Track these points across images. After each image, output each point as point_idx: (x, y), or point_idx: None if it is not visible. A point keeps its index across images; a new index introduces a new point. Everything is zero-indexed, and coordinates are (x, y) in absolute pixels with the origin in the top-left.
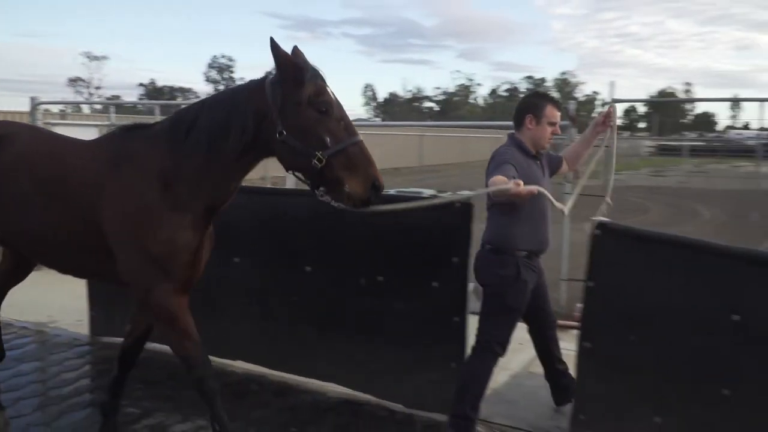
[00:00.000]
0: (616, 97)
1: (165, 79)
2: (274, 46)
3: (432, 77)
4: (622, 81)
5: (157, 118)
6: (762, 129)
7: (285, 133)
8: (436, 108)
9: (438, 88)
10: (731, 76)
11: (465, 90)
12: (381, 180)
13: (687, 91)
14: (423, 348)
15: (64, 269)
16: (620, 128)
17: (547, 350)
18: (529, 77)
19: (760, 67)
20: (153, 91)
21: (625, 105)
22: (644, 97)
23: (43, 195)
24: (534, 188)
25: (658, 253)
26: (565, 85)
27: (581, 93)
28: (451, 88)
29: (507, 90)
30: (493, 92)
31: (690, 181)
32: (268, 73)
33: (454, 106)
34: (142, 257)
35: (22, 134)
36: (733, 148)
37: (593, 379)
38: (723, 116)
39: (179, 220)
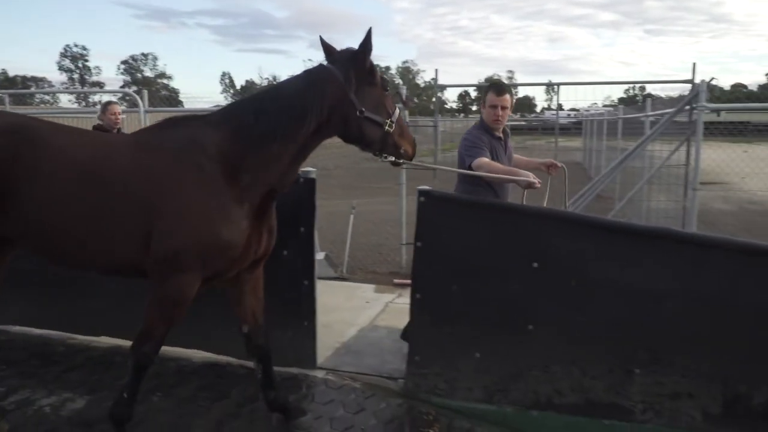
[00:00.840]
0: (443, 82)
1: (16, 69)
2: (368, 38)
3: (287, 66)
4: (457, 69)
5: (8, 108)
6: (572, 110)
7: (365, 110)
8: None
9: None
10: (545, 65)
11: None
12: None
13: (510, 78)
14: (279, 310)
15: (77, 264)
16: (455, 110)
17: None
18: (376, 65)
19: (569, 56)
20: (5, 81)
21: (458, 89)
22: (474, 83)
23: (84, 189)
24: (536, 182)
25: (473, 215)
26: (407, 72)
27: (422, 80)
28: None
29: None
30: None
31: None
32: (326, 61)
33: None
34: (190, 247)
35: (44, 128)
36: (549, 126)
37: (425, 325)
38: (540, 99)
39: (239, 213)
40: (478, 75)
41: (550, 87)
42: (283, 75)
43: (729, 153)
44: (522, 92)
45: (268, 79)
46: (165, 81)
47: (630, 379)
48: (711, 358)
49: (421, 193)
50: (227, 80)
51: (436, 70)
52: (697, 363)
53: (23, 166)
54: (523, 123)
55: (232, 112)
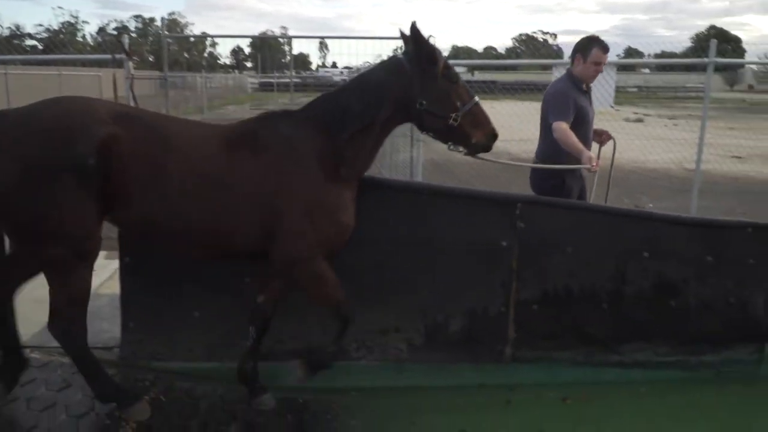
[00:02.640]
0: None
1: None
2: (416, 30)
3: (34, 14)
4: (229, 23)
5: None
6: (346, 67)
7: (425, 102)
8: (40, 47)
9: (40, 25)
10: (320, 22)
11: (71, 28)
12: (496, 132)
13: (283, 34)
14: None
15: (194, 254)
16: (229, 67)
17: None
18: (138, 16)
19: (342, 14)
20: None
21: (232, 45)
22: (247, 39)
23: (202, 186)
24: (592, 166)
25: None
26: (174, 25)
27: (190, 32)
28: (56, 26)
29: (116, 28)
30: (102, 30)
31: None
32: (399, 54)
33: (60, 44)
34: (314, 236)
35: (145, 117)
36: (324, 83)
37: (137, 290)
38: (315, 57)
39: (347, 201)
40: (250, 30)
41: (323, 45)
42: (28, 25)
43: None
44: (297, 49)
45: (9, 28)
46: None
47: None
48: (413, 293)
49: None
50: None
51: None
52: (402, 299)
53: (145, 160)
54: (299, 80)
55: (319, 108)
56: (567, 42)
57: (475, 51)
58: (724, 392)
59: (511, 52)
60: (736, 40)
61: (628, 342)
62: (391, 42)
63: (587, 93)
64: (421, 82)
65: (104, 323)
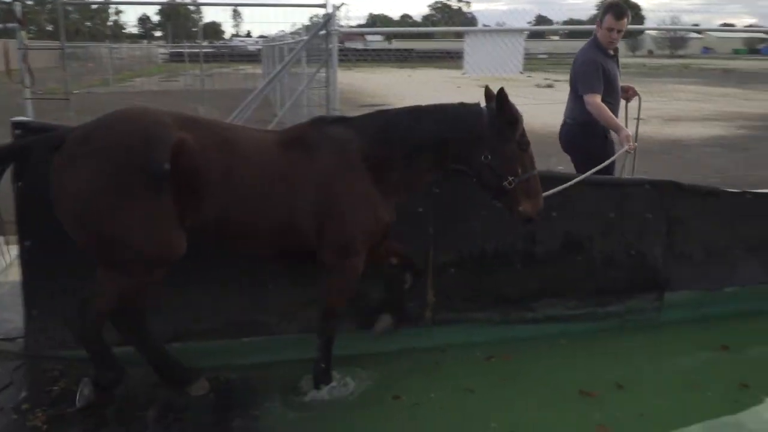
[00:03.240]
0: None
1: None
2: (504, 97)
3: None
4: None
5: None
6: (261, 36)
7: (490, 157)
8: None
9: None
10: None
11: None
12: (542, 207)
13: (193, 1)
14: None
15: (252, 251)
16: (136, 36)
17: None
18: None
19: None
20: None
21: (139, 13)
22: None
23: (268, 188)
24: (629, 146)
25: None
26: None
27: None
28: None
29: None
30: None
31: (197, 84)
32: (484, 105)
33: None
34: (361, 235)
35: (204, 123)
36: (238, 53)
37: (40, 275)
38: (228, 25)
39: (389, 205)
40: None
41: (237, 12)
42: None
43: (396, 77)
44: (209, 17)
45: None
46: None
47: (265, 295)
48: None
49: (16, 125)
50: None
51: None
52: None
53: (213, 164)
54: (212, 50)
55: (380, 124)
56: (480, 10)
57: (391, 19)
58: (630, 339)
59: (427, 20)
60: (636, 8)
61: (540, 299)
62: (307, 9)
63: (614, 57)
64: (494, 138)
65: (6, 313)
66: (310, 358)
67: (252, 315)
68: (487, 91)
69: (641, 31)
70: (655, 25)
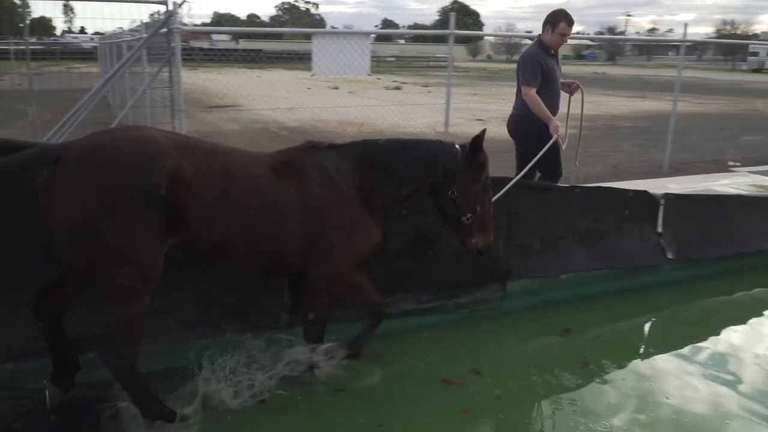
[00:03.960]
0: None
1: None
2: (479, 141)
3: None
4: None
5: None
6: (96, 33)
7: (456, 193)
8: None
9: None
10: None
11: None
12: (491, 243)
13: None
14: None
15: (246, 267)
16: None
17: None
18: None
19: None
20: None
21: None
22: None
23: (260, 207)
24: (561, 132)
25: None
26: None
27: None
28: None
29: None
30: None
31: (24, 83)
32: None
33: None
34: (353, 254)
35: (201, 146)
36: (71, 50)
37: None
38: (60, 21)
39: (378, 226)
40: None
41: (68, 7)
42: None
43: (245, 78)
44: (37, 12)
45: None
46: None
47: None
48: (191, 272)
49: None
50: None
51: None
52: (176, 277)
53: (208, 188)
54: (42, 47)
55: (368, 154)
56: (329, 12)
57: (238, 18)
58: (480, 327)
59: (275, 21)
60: (476, 15)
61: (394, 294)
62: (146, 6)
63: (555, 56)
64: (463, 177)
65: None
66: (165, 369)
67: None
68: (475, 139)
69: (480, 37)
70: (491, 31)
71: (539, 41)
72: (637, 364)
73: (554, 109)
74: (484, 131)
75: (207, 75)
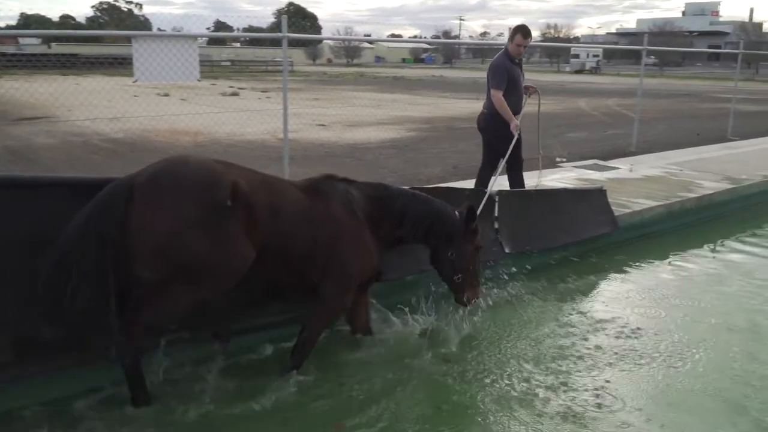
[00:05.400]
0: None
1: None
2: (473, 212)
3: None
4: None
5: None
6: None
7: (454, 255)
8: None
9: None
10: None
11: None
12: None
13: None
14: None
15: (278, 281)
16: None
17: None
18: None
19: None
20: None
21: None
22: None
23: (302, 228)
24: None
25: None
26: None
27: None
28: None
29: None
30: None
31: None
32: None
33: None
34: (356, 276)
35: (242, 168)
36: None
37: None
38: None
39: (379, 253)
40: None
41: None
42: None
43: (62, 86)
44: None
45: None
46: None
47: None
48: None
49: None
50: None
51: None
52: None
53: (260, 202)
54: None
55: (382, 196)
56: (154, 13)
57: (49, 20)
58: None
59: (92, 22)
60: (313, 17)
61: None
62: None
63: (518, 63)
64: (459, 240)
65: None
66: None
67: None
68: (470, 208)
69: (319, 41)
70: (330, 35)
71: (506, 50)
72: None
73: (517, 109)
74: (472, 207)
75: (15, 83)
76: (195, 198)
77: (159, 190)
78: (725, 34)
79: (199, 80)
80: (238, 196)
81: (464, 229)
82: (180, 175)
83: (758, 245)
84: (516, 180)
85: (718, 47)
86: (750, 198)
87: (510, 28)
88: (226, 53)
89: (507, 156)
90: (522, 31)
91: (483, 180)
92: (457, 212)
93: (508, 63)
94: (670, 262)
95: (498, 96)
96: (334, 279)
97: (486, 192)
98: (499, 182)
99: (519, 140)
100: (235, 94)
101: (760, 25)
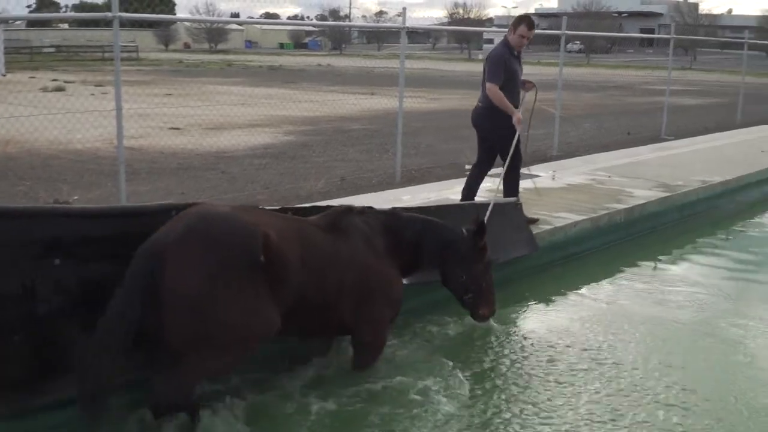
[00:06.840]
0: None
1: None
2: (483, 227)
3: None
4: None
5: None
6: None
7: (465, 278)
8: None
9: None
10: None
11: None
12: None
13: None
14: None
15: (314, 333)
16: None
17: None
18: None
19: None
20: None
21: None
22: None
23: (325, 263)
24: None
25: None
26: None
27: None
28: None
29: None
30: None
31: None
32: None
33: None
34: (387, 312)
35: (270, 214)
36: None
37: None
38: None
39: (403, 285)
40: None
41: None
42: None
43: None
44: None
45: None
46: None
47: None
48: None
49: None
50: None
51: None
52: None
53: (289, 251)
54: None
55: (396, 226)
56: None
57: None
58: None
59: None
60: None
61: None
62: None
63: (518, 56)
64: (470, 260)
65: None
66: None
67: None
68: (478, 221)
69: (173, 22)
70: (188, 15)
71: (505, 41)
72: None
73: (515, 105)
74: (482, 223)
75: None
76: (227, 258)
77: (191, 247)
78: (659, 15)
79: (4, 75)
80: (269, 249)
81: (473, 247)
82: (214, 233)
83: (698, 263)
84: (512, 180)
85: (652, 31)
86: (687, 207)
87: (490, 17)
88: (50, 37)
89: (511, 153)
90: (527, 21)
91: (474, 177)
92: (464, 230)
93: (508, 55)
94: (599, 286)
95: (494, 90)
96: (369, 321)
97: (490, 204)
98: (397, 197)
99: (518, 136)
100: (60, 89)
101: (695, 5)
